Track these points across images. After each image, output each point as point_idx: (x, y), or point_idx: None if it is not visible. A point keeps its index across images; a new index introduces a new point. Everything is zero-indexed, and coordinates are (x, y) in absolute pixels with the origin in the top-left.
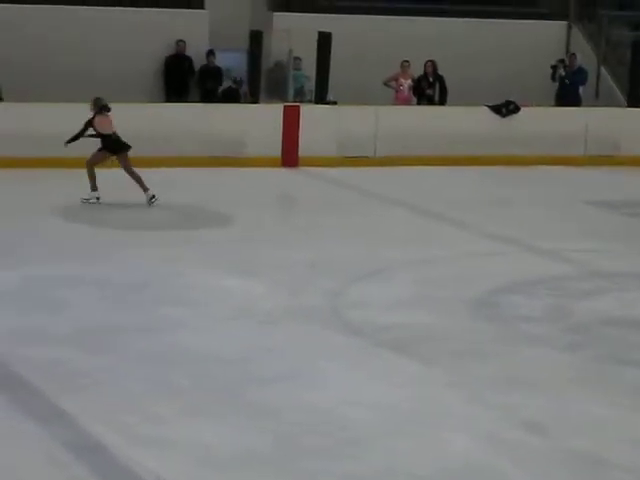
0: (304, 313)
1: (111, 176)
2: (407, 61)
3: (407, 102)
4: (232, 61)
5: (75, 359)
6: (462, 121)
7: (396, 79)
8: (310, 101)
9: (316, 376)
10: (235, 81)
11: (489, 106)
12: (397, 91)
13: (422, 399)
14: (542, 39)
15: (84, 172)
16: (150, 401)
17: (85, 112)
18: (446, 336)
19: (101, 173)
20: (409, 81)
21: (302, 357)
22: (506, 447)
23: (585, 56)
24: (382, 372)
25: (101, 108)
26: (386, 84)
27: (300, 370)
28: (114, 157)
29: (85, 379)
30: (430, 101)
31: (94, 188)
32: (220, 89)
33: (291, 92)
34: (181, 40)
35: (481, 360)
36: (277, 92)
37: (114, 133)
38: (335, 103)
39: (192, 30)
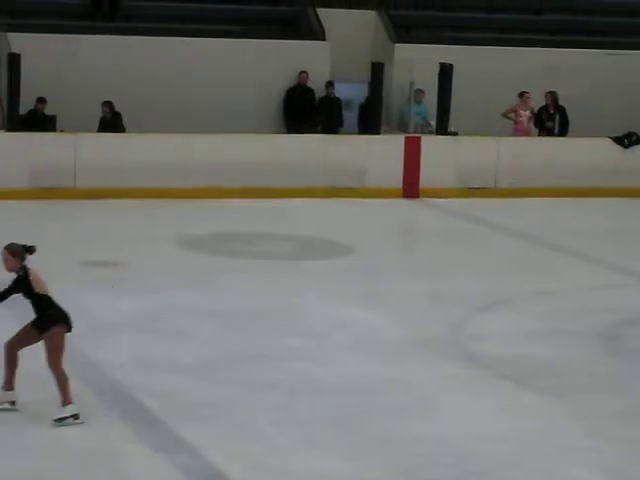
0: (427, 344)
1: (242, 206)
2: (526, 92)
3: (526, 133)
4: (353, 92)
5: (197, 388)
6: (584, 153)
7: (515, 110)
8: (431, 132)
9: (439, 408)
10: None
11: (611, 137)
12: (516, 122)
13: (545, 432)
14: None
15: (207, 203)
16: (272, 431)
17: (210, 142)
18: (569, 369)
19: (225, 203)
20: (528, 112)
21: (424, 388)
22: None
23: None
24: (505, 405)
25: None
26: (505, 116)
27: (422, 401)
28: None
29: (207, 408)
30: (550, 133)
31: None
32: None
33: (412, 123)
34: (304, 71)
35: (604, 393)
36: (397, 123)
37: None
38: (456, 134)
39: (314, 61)
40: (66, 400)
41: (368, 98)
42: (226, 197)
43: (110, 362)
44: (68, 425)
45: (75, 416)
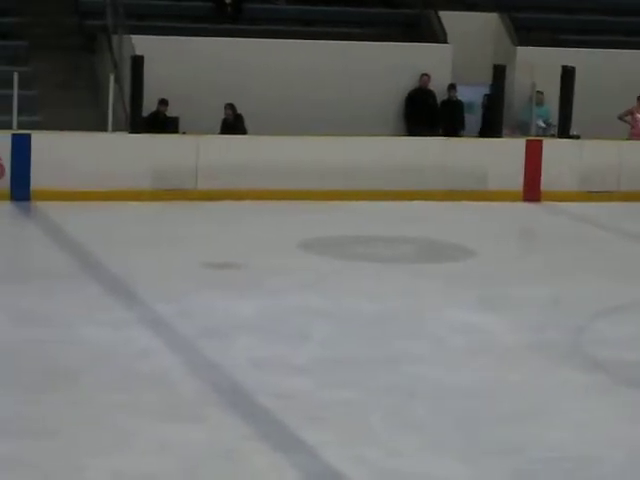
0: (546, 349)
1: (361, 209)
2: None
3: None
4: (474, 95)
5: (315, 390)
6: None
7: (632, 113)
8: (553, 135)
9: (557, 413)
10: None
11: None
12: (632, 126)
13: None
14: None
15: (327, 205)
16: (390, 434)
17: (330, 144)
18: None
19: (345, 205)
20: None
21: (543, 393)
22: None
23: None
24: (625, 410)
25: None
26: (621, 118)
27: (541, 406)
28: None
29: (325, 410)
30: None
31: None
32: None
33: (533, 126)
34: (425, 74)
35: None
36: (518, 126)
37: None
38: (578, 137)
39: (436, 64)
40: None
41: (486, 100)
42: (346, 199)
43: (229, 363)
44: None
45: None
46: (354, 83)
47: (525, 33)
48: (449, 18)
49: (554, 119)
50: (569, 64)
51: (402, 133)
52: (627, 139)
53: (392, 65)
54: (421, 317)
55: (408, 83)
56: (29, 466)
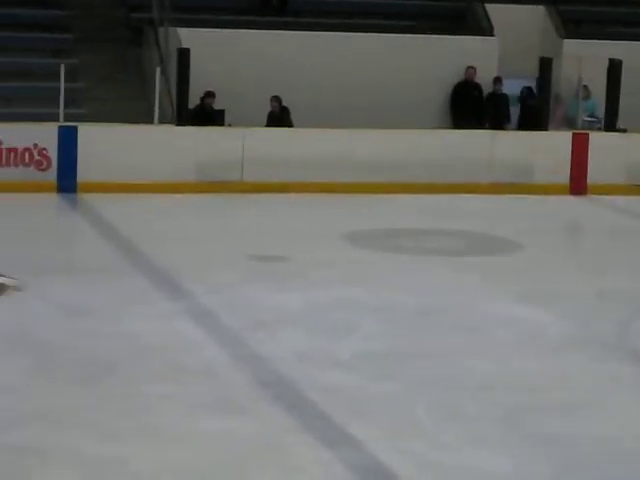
0: (592, 342)
1: (406, 202)
2: None
3: None
4: (520, 88)
5: (360, 384)
6: None
7: None
8: (599, 129)
9: (604, 406)
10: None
11: None
12: None
13: None
14: None
15: (371, 198)
16: (436, 428)
17: (376, 137)
18: None
19: (390, 198)
20: None
21: (590, 387)
22: None
23: None
24: None
25: None
26: None
27: (587, 400)
28: None
29: (371, 404)
30: None
31: None
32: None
33: (580, 120)
34: (471, 67)
35: None
36: (565, 119)
37: None
38: (625, 131)
39: (482, 57)
40: None
41: (525, 92)
42: (391, 192)
43: (274, 356)
44: None
45: None
46: (399, 76)
47: (572, 26)
48: (495, 10)
49: (600, 112)
50: (616, 57)
51: (448, 126)
52: None
53: (438, 58)
54: (466, 310)
55: (454, 76)
56: (74, 457)
